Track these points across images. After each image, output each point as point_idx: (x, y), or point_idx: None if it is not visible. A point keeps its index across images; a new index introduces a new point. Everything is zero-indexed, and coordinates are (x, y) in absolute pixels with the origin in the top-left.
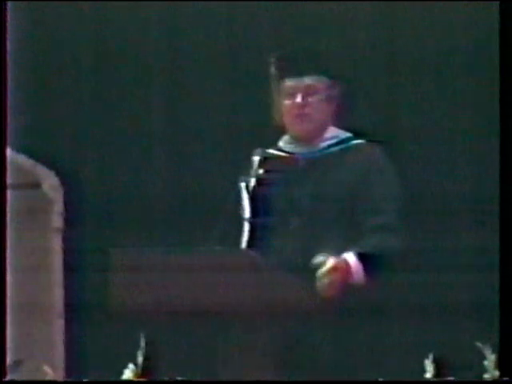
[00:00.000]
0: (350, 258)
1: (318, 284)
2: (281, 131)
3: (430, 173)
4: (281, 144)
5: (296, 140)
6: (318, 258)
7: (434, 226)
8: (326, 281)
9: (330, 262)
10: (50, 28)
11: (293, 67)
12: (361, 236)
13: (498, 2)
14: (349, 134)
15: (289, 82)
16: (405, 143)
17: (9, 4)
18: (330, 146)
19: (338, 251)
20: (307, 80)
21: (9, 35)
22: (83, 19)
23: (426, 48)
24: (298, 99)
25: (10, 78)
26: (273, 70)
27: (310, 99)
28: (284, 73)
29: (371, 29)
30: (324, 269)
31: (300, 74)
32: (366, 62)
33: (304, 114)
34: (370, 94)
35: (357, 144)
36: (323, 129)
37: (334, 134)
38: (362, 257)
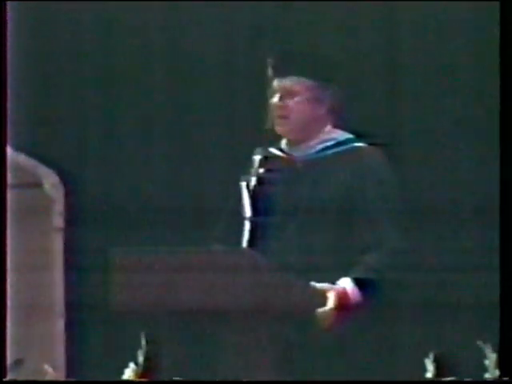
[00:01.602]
0: (348, 285)
1: (319, 317)
2: (274, 135)
3: (430, 173)
4: (282, 144)
5: (290, 142)
6: (319, 286)
7: (434, 226)
8: (328, 319)
9: (331, 298)
10: (51, 27)
11: (279, 68)
12: (358, 251)
13: (498, 2)
14: (348, 136)
15: (274, 83)
16: (404, 144)
17: (9, 4)
18: (327, 148)
19: (337, 252)
20: (285, 81)
21: (9, 35)
22: (84, 18)
23: (426, 48)
24: (275, 100)
25: (10, 78)
26: (269, 70)
27: (286, 100)
28: (274, 74)
29: (370, 30)
30: (326, 308)
31: (283, 75)
32: (365, 64)
33: (281, 116)
34: (368, 96)
35: (355, 147)
36: (308, 129)
37: (332, 135)
38: (359, 282)
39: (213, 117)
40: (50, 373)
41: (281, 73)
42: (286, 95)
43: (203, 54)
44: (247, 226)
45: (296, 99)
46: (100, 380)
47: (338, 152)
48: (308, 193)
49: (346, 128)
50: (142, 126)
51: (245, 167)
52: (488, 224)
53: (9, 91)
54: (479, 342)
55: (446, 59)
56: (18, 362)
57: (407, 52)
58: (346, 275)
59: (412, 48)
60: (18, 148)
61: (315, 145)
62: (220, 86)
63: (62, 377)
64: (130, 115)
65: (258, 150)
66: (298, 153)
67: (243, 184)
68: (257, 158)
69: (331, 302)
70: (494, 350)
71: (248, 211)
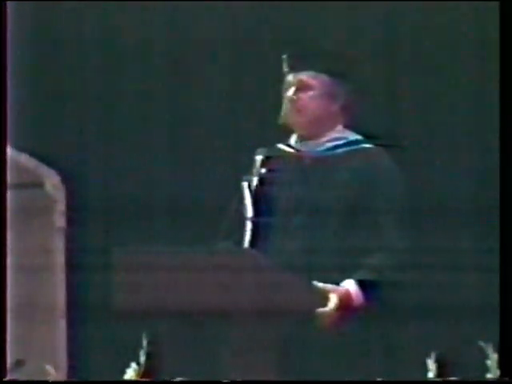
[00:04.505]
0: (351, 286)
1: (320, 317)
2: (287, 130)
3: (431, 173)
4: (291, 141)
5: (300, 138)
6: (320, 286)
7: (434, 226)
8: (330, 319)
9: (334, 299)
10: (51, 27)
11: (295, 63)
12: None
13: (497, 2)
14: (358, 137)
15: (288, 78)
16: (406, 144)
17: (9, 4)
18: (336, 147)
19: (339, 253)
20: (301, 75)
21: (9, 35)
22: (84, 18)
23: (426, 49)
24: (290, 93)
25: (11, 77)
26: (284, 66)
27: (300, 94)
28: (289, 69)
29: (372, 30)
30: (328, 308)
31: (299, 69)
32: (367, 64)
33: (294, 108)
34: (372, 97)
35: (364, 147)
36: (321, 125)
37: (342, 134)
38: (362, 283)
39: (215, 117)
40: (51, 373)
41: (297, 68)
42: (302, 89)
43: (205, 52)
44: (249, 226)
45: (311, 93)
46: (102, 380)
47: (347, 151)
48: (314, 191)
49: (356, 129)
50: (142, 126)
51: (247, 167)
52: (488, 224)
53: (9, 91)
54: (481, 342)
55: (445, 59)
56: (19, 363)
57: (408, 53)
58: (350, 276)
59: (412, 48)
60: (19, 148)
61: (325, 142)
62: (222, 85)
63: (63, 377)
64: (131, 114)
65: (260, 150)
66: (308, 149)
67: (245, 184)
68: (258, 158)
69: (332, 303)
70: (496, 350)
71: (250, 211)
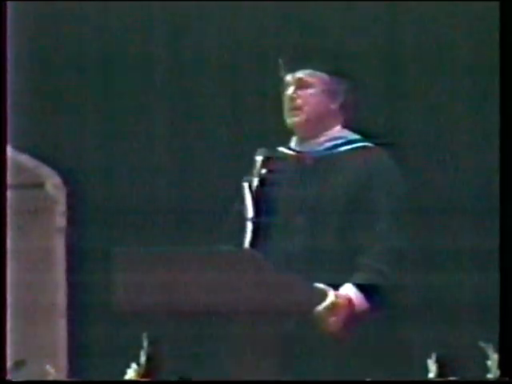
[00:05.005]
0: (351, 291)
1: (320, 321)
2: (288, 131)
3: (431, 173)
4: (290, 144)
5: (300, 140)
6: (319, 287)
7: (434, 226)
8: (328, 318)
9: (331, 297)
10: (51, 27)
11: (292, 63)
12: (360, 254)
13: (497, 2)
14: (357, 136)
15: (287, 77)
16: (406, 144)
17: (9, 4)
18: (336, 146)
19: (339, 253)
20: (299, 74)
21: (9, 35)
22: (84, 18)
23: (426, 48)
24: (289, 92)
25: (11, 76)
26: (281, 70)
27: (299, 92)
28: (286, 72)
29: (372, 30)
30: (323, 305)
31: (297, 68)
32: (368, 63)
33: (295, 106)
34: (371, 96)
35: (363, 146)
36: (320, 123)
37: (341, 134)
38: (361, 287)
39: (215, 117)
40: (51, 373)
41: (294, 67)
42: (301, 87)
43: (206, 53)
44: (249, 226)
45: (310, 91)
46: (102, 380)
47: (347, 150)
48: (314, 191)
49: (355, 129)
50: (144, 127)
51: (248, 168)
52: (488, 224)
53: (10, 90)
54: (481, 343)
55: (445, 59)
56: (19, 363)
57: (407, 52)
58: (350, 276)
59: (412, 48)
60: (20, 148)
61: (324, 142)
62: (223, 86)
63: (64, 377)
64: (132, 115)
65: (260, 150)
66: (307, 149)
67: (245, 185)
68: (259, 158)
69: (328, 301)
70: (496, 350)
71: (250, 212)
